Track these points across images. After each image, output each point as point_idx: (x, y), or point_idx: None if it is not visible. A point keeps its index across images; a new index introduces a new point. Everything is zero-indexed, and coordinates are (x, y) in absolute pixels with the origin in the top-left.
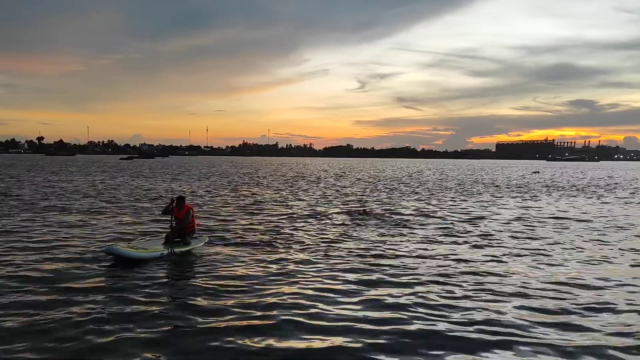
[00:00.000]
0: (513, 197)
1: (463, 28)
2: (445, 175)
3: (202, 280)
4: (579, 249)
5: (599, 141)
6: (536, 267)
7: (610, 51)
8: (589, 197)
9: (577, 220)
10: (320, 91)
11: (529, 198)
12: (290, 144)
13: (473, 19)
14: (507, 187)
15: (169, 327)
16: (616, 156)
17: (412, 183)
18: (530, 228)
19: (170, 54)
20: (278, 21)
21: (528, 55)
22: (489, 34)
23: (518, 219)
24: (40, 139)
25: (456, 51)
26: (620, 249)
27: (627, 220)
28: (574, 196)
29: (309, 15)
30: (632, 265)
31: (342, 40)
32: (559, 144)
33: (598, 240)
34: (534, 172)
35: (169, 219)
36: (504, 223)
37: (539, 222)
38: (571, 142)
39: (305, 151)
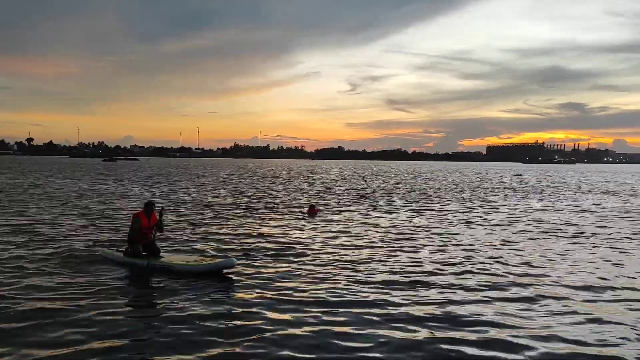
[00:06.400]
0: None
1: (456, 30)
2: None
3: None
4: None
5: (589, 144)
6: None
7: (601, 54)
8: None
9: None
10: (312, 93)
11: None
12: (282, 146)
13: (466, 22)
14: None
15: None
16: (605, 159)
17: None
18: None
19: (164, 55)
20: (271, 23)
21: (520, 58)
22: (481, 37)
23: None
24: (29, 140)
25: (448, 53)
26: None
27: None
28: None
29: (302, 17)
30: None
31: (335, 43)
32: (548, 146)
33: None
34: (516, 175)
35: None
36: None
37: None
38: (561, 145)
39: (297, 153)
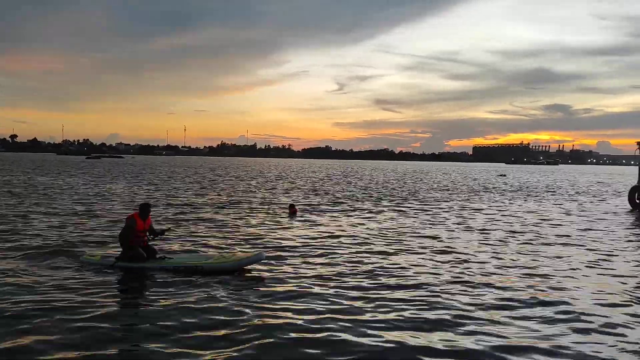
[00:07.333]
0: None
1: (443, 31)
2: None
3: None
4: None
5: (573, 145)
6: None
7: (586, 57)
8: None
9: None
10: (300, 92)
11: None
12: (269, 145)
13: (454, 23)
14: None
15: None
16: (589, 160)
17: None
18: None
19: (152, 53)
20: (260, 22)
21: (507, 60)
22: (469, 38)
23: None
24: (13, 137)
25: (436, 54)
26: None
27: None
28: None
29: (291, 17)
30: None
31: (324, 42)
32: (533, 147)
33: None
34: (500, 175)
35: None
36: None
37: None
38: (546, 146)
39: (284, 152)
